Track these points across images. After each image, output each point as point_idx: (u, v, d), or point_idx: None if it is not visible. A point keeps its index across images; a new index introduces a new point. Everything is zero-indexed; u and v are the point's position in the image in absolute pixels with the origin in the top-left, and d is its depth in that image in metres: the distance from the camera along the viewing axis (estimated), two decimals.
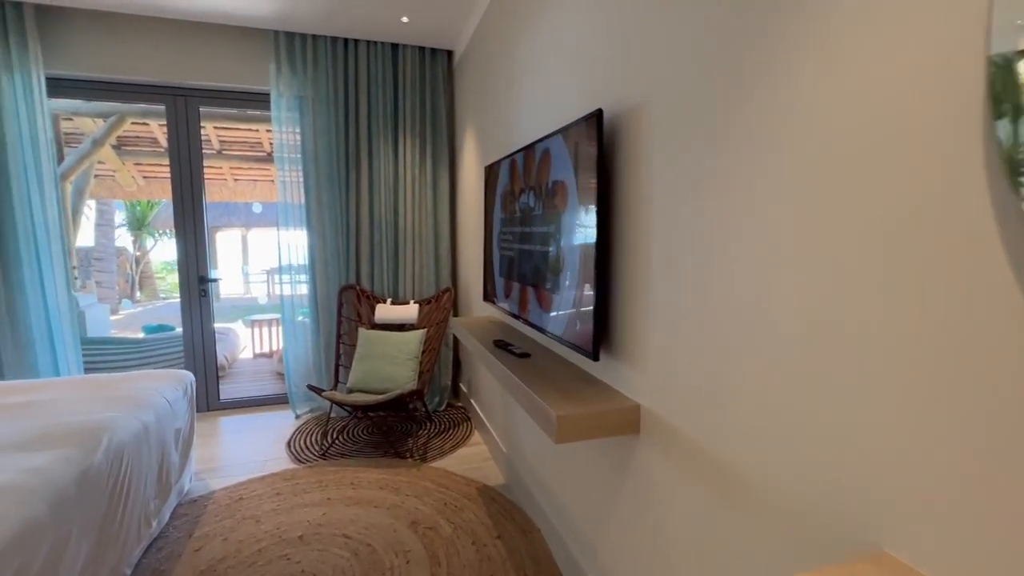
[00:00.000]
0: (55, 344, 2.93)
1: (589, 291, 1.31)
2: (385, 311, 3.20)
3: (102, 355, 3.84)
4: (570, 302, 1.43)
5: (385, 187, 3.32)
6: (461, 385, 3.56)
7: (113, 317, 7.52)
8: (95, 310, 4.77)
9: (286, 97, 3.13)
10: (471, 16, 2.86)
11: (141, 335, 5.29)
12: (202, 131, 3.33)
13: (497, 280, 2.17)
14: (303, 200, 3.23)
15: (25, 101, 2.75)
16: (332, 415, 3.16)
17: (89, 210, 7.88)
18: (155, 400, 2.00)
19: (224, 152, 6.45)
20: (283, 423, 3.23)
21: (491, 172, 2.27)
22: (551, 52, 1.77)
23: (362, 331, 3.11)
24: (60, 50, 2.86)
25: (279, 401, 3.55)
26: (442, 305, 3.27)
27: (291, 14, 2.86)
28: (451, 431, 3.05)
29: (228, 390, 3.98)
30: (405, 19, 2.91)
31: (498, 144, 2.46)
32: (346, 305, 3.31)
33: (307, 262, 3.29)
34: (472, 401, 3.25)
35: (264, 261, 12.16)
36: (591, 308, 1.30)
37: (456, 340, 3.60)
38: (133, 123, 5.26)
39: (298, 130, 3.17)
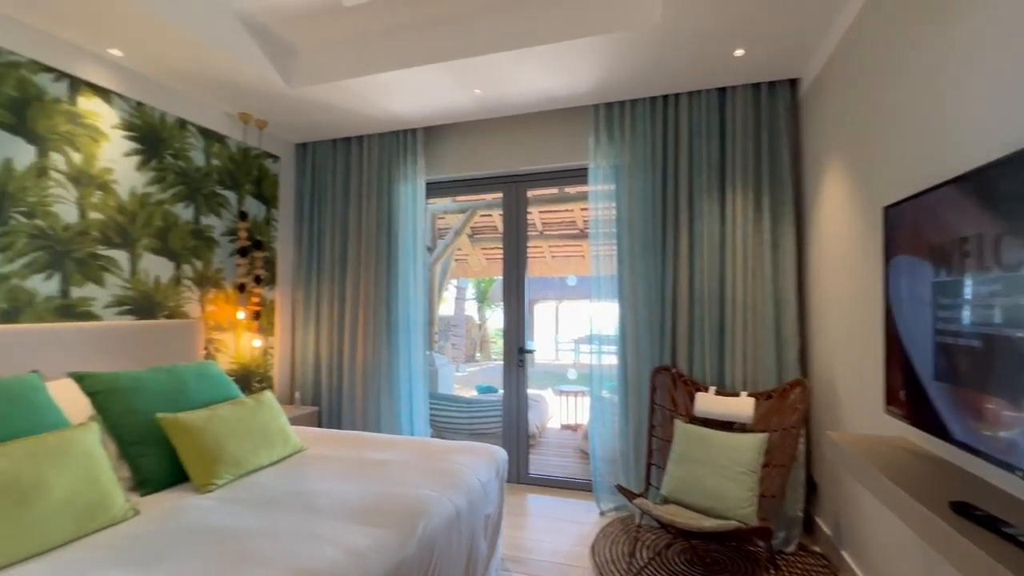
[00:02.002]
0: (412, 398, 3.44)
1: None
2: (708, 403, 2.56)
3: (443, 410, 4.44)
4: None
5: (709, 251, 2.78)
6: (819, 521, 2.51)
7: (458, 374, 9.13)
8: (445, 369, 5.76)
9: (603, 168, 3.05)
10: (832, 28, 2.17)
11: (474, 393, 6.08)
12: (528, 215, 3.59)
13: (929, 385, 1.29)
14: (615, 271, 3.01)
15: (412, 203, 3.48)
16: (642, 522, 2.63)
17: (450, 287, 10.12)
18: (469, 481, 1.92)
19: (545, 232, 7.22)
20: (587, 517, 2.88)
21: (901, 214, 1.46)
22: None
23: (679, 424, 2.54)
24: (434, 159, 3.55)
25: (584, 488, 3.25)
26: (790, 403, 2.40)
27: (610, 85, 2.79)
28: None
29: (536, 462, 3.97)
30: (739, 52, 2.45)
31: (909, 172, 1.63)
32: (659, 390, 2.82)
33: (617, 334, 3.00)
34: (842, 552, 2.19)
35: (574, 331, 13.10)
36: None
37: (809, 453, 2.60)
38: (481, 215, 6.42)
39: (613, 204, 3.03)
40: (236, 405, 2.10)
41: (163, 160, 2.78)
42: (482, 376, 9.12)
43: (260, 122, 3.28)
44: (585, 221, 6.65)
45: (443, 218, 6.35)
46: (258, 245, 3.29)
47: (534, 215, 6.73)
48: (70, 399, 1.86)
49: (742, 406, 2.46)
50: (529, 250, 3.61)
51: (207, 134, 3.04)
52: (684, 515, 2.19)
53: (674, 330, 2.87)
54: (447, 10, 2.50)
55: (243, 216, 3.21)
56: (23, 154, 2.17)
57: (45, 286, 2.25)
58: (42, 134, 2.24)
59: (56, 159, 2.29)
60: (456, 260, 7.93)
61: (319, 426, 3.52)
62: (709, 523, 2.06)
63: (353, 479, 1.86)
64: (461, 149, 3.50)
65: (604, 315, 3.05)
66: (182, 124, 2.89)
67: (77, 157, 2.37)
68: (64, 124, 2.32)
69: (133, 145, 2.62)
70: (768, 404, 2.49)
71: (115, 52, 2.42)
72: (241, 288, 3.19)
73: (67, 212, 2.33)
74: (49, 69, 2.26)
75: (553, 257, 8.30)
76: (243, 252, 3.20)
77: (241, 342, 3.26)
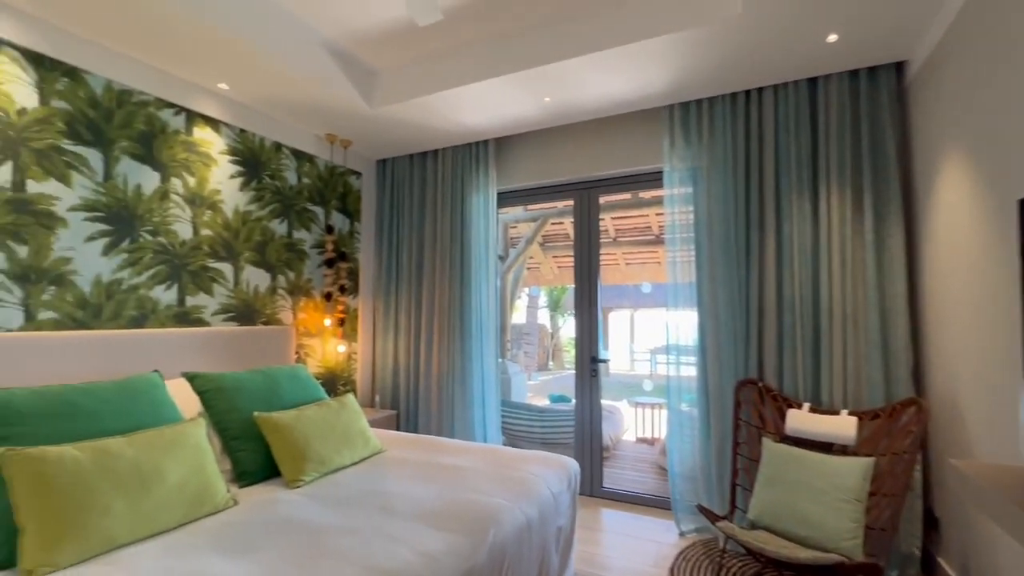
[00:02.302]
0: (485, 405, 3.48)
1: None
2: (802, 420, 2.33)
3: (515, 418, 4.44)
4: None
5: (800, 256, 2.56)
6: (942, 562, 2.19)
7: (530, 383, 9.13)
8: (517, 377, 5.78)
9: (679, 171, 2.92)
10: (946, 0, 1.93)
11: (546, 402, 6.04)
12: (600, 222, 3.52)
13: None
14: (693, 278, 2.86)
15: (484, 213, 3.54)
16: (727, 547, 2.45)
17: (522, 295, 10.18)
18: (540, 491, 1.89)
19: (618, 239, 7.05)
20: (666, 536, 2.74)
21: None
22: None
23: (768, 443, 2.34)
24: (506, 169, 3.59)
25: (662, 505, 3.10)
26: (902, 425, 2.13)
27: (685, 84, 2.67)
28: None
29: (610, 475, 3.85)
30: (832, 38, 2.24)
31: None
32: (744, 405, 2.62)
33: (696, 344, 2.84)
34: None
35: (649, 340, 12.65)
36: None
37: (927, 483, 2.29)
38: (552, 223, 6.40)
39: (690, 208, 2.88)
40: (321, 407, 2.24)
41: (261, 180, 3.05)
42: (555, 385, 9.06)
43: (345, 141, 3.51)
44: (660, 226, 6.42)
45: (515, 227, 6.42)
46: (343, 257, 3.51)
47: (607, 221, 6.61)
48: (183, 396, 2.08)
49: (843, 426, 2.22)
50: (602, 257, 3.54)
51: (299, 155, 3.30)
52: (775, 543, 2.00)
53: (760, 340, 2.66)
54: (517, 22, 2.53)
55: (330, 230, 3.44)
56: (149, 180, 2.48)
57: (166, 295, 2.54)
58: (164, 162, 2.54)
59: (175, 183, 2.59)
60: (528, 268, 7.97)
61: (397, 429, 3.66)
62: (805, 554, 1.87)
63: (427, 482, 1.90)
64: (532, 158, 3.52)
65: (682, 324, 2.90)
66: (278, 147, 3.16)
67: (192, 181, 2.67)
68: (182, 152, 2.63)
69: (237, 168, 2.91)
70: (874, 425, 2.22)
71: (223, 86, 2.70)
72: (328, 297, 3.41)
73: (183, 230, 2.63)
74: (170, 105, 2.57)
75: (627, 264, 8.09)
76: (330, 263, 3.42)
77: (328, 347, 3.48)
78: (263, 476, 1.96)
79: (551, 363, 12.96)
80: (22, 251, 2.04)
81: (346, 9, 2.42)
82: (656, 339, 11.63)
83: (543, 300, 12.54)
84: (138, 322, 2.42)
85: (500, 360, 3.73)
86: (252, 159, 3.00)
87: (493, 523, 1.55)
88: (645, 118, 3.12)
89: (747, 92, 2.75)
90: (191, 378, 2.09)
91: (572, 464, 2.24)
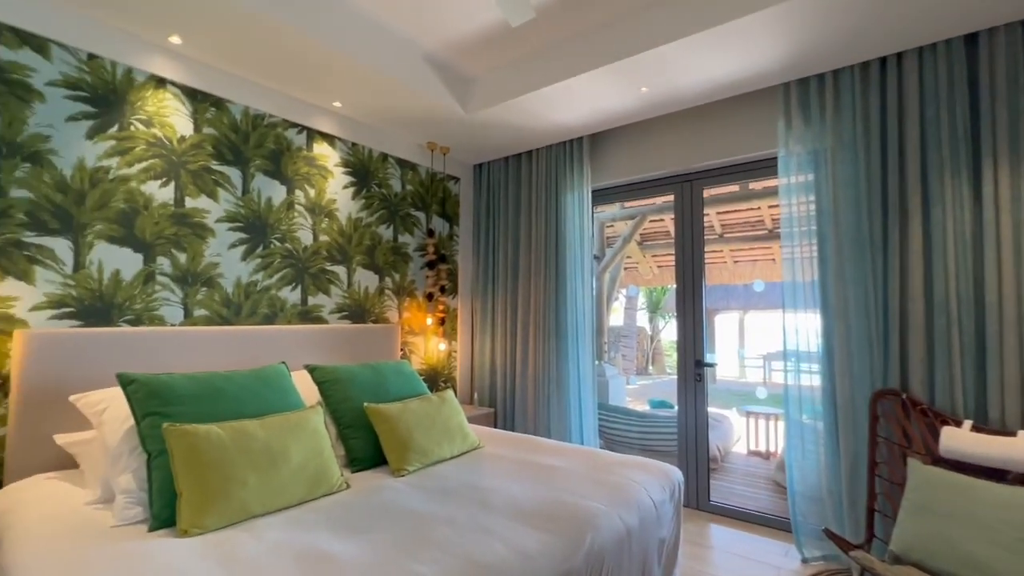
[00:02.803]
0: (582, 407, 3.41)
1: None
2: (962, 440, 1.96)
3: (613, 422, 4.31)
4: None
5: (956, 245, 2.17)
6: None
7: (628, 387, 8.83)
8: (615, 380, 5.61)
9: (797, 155, 2.63)
10: None
11: (646, 407, 5.79)
12: (705, 217, 3.29)
13: None
14: (816, 276, 2.55)
15: (578, 211, 3.48)
16: None
17: (620, 296, 9.89)
18: (640, 498, 1.80)
19: (725, 236, 6.56)
20: (784, 561, 2.47)
21: None
22: None
23: (916, 465, 2.00)
24: (600, 166, 3.51)
25: (779, 526, 2.80)
26: None
27: (804, 56, 2.39)
28: None
29: (719, 489, 3.58)
30: None
31: None
32: (884, 419, 2.28)
33: (820, 351, 2.53)
34: None
35: (761, 345, 11.62)
36: None
37: None
38: (651, 221, 6.14)
39: (811, 196, 2.58)
40: (424, 400, 2.34)
41: (370, 189, 3.29)
42: (655, 390, 8.66)
43: (444, 148, 3.67)
44: (774, 220, 5.86)
45: (611, 226, 6.26)
46: (443, 259, 3.66)
47: (711, 216, 6.18)
48: (304, 386, 2.30)
49: (1022, 449, 1.82)
50: (707, 255, 3.30)
51: (402, 164, 3.51)
52: None
53: (902, 346, 2.30)
54: (608, 11, 2.46)
55: (431, 233, 3.61)
56: (278, 193, 2.79)
57: (292, 295, 2.84)
58: (290, 176, 2.84)
59: (299, 195, 2.88)
60: (626, 269, 7.73)
61: (495, 427, 3.73)
62: None
63: (523, 481, 1.90)
64: (628, 152, 3.40)
65: (803, 327, 2.60)
66: (384, 157, 3.39)
67: (312, 192, 2.95)
68: (304, 167, 2.91)
69: (349, 179, 3.16)
70: None
71: (337, 104, 2.95)
72: (429, 297, 3.58)
73: (305, 236, 2.91)
74: (294, 124, 2.87)
75: (736, 262, 7.50)
76: (431, 265, 3.59)
77: (430, 345, 3.65)
78: (372, 463, 2.09)
79: (651, 368, 12.44)
80: (182, 258, 2.39)
81: (443, 18, 2.52)
82: (770, 344, 10.64)
83: (641, 301, 12.08)
84: (270, 319, 2.73)
85: (597, 362, 3.64)
86: (362, 170, 3.24)
87: (591, 527, 1.50)
88: (755, 99, 2.86)
89: (882, 59, 2.40)
90: (311, 370, 2.30)
91: (675, 473, 2.10)
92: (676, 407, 3.29)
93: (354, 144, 3.19)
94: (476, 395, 3.86)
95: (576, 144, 3.47)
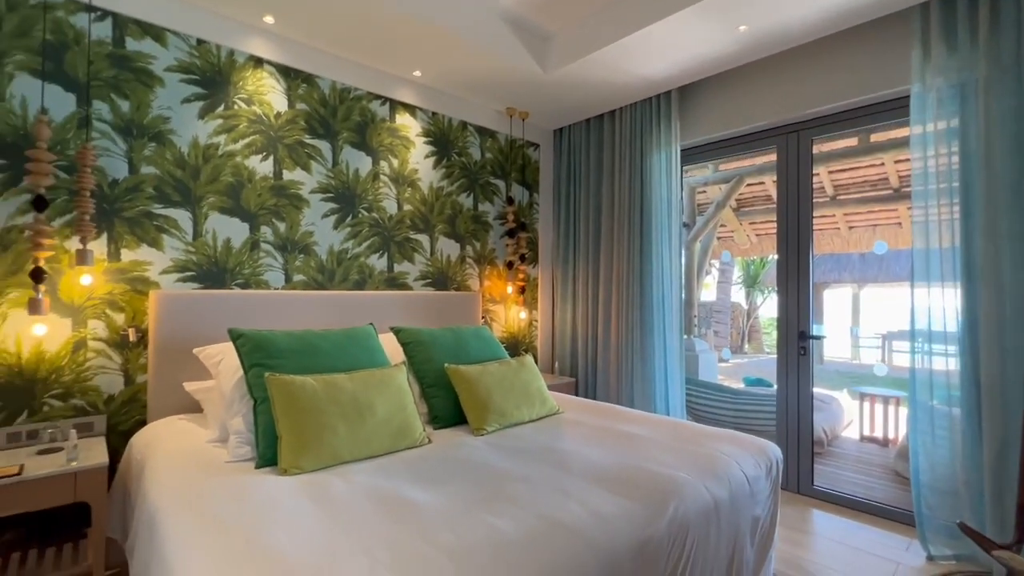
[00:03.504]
0: (668, 380, 3.25)
1: None
2: None
3: (704, 398, 4.07)
4: None
5: None
6: None
7: (722, 364, 8.32)
8: (706, 356, 5.29)
9: (936, 91, 2.22)
10: None
11: (740, 386, 5.42)
12: (814, 177, 2.91)
13: None
14: (957, 240, 2.16)
15: (666, 173, 3.25)
16: None
17: (712, 268, 9.25)
18: (731, 472, 1.66)
19: (839, 198, 5.83)
20: (907, 557, 2.19)
21: None
22: None
23: None
24: (690, 122, 3.23)
25: (898, 518, 2.49)
26: None
27: None
28: None
29: (824, 474, 3.26)
30: None
31: None
32: None
33: (960, 325, 2.15)
34: None
35: (878, 322, 10.33)
36: None
37: None
38: (748, 184, 5.61)
39: (954, 143, 2.17)
40: (503, 364, 2.35)
41: (451, 158, 3.32)
42: (751, 369, 8.09)
43: (523, 113, 3.59)
44: (902, 177, 5.09)
45: (703, 191, 5.82)
46: (523, 227, 3.62)
47: (822, 175, 5.50)
48: (391, 347, 2.40)
49: None
50: (815, 221, 2.93)
51: (482, 132, 3.49)
52: None
53: None
54: None
55: (510, 201, 3.58)
56: (364, 164, 2.90)
57: (379, 263, 2.97)
58: (374, 147, 2.94)
59: (383, 165, 2.98)
60: (719, 238, 7.19)
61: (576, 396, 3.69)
62: None
63: (603, 446, 1.84)
64: (722, 104, 3.09)
65: (936, 301, 2.23)
66: (463, 125, 3.39)
67: (395, 162, 3.03)
68: (388, 138, 3.00)
69: (430, 148, 3.21)
70: None
71: (416, 73, 2.98)
72: (509, 265, 3.57)
73: (390, 206, 3.02)
74: (378, 96, 2.94)
75: (851, 228, 6.66)
76: (511, 233, 3.57)
77: (510, 314, 3.66)
78: (452, 421, 2.14)
79: (746, 346, 11.62)
80: (282, 227, 2.58)
81: None
82: (892, 321, 9.43)
83: (737, 275, 11.24)
84: (359, 285, 2.88)
85: (685, 337, 3.43)
86: (442, 139, 3.27)
87: (674, 497, 1.41)
88: (880, 28, 2.44)
89: None
90: (397, 332, 2.39)
91: (772, 449, 1.92)
92: (775, 385, 3.01)
93: (434, 113, 3.22)
94: (557, 364, 3.83)
95: (663, 99, 3.22)
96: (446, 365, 2.22)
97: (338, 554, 1.06)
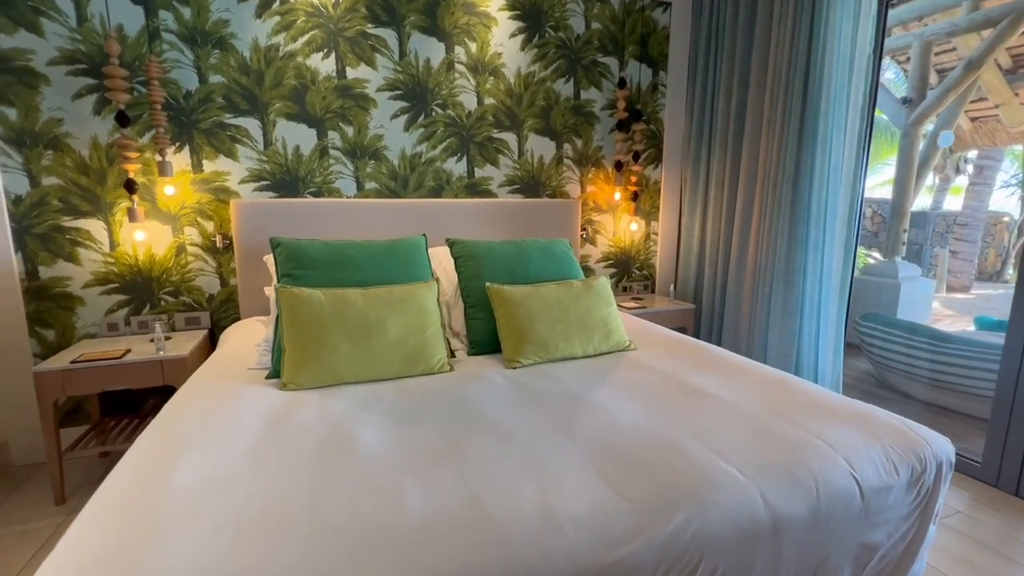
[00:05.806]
0: (821, 313, 2.43)
1: None
2: None
3: (892, 342, 3.02)
4: None
5: None
6: None
7: (957, 296, 6.27)
8: (915, 284, 3.90)
9: None
10: None
11: (969, 328, 3.96)
12: None
13: None
14: None
15: (852, 15, 2.17)
16: None
17: (963, 163, 6.65)
18: (828, 475, 1.07)
19: None
20: None
21: None
22: None
23: None
24: None
25: None
26: None
27: None
28: None
29: None
30: None
31: None
32: None
33: None
34: None
35: None
36: None
37: None
38: None
39: None
40: (561, 286, 1.94)
41: (544, 35, 2.73)
42: (1000, 303, 5.91)
43: None
44: None
45: (945, 45, 3.97)
46: (638, 116, 2.91)
47: None
48: (449, 261, 2.19)
49: None
50: None
51: None
52: None
53: None
54: None
55: (622, 84, 2.87)
56: (436, 52, 2.54)
57: (457, 167, 2.69)
58: (447, 30, 2.54)
59: (459, 52, 2.58)
60: (972, 119, 5.02)
61: (696, 326, 3.07)
62: None
63: (647, 404, 1.38)
64: None
65: None
66: None
67: (473, 47, 2.60)
68: (463, 17, 2.56)
69: (517, 24, 2.67)
70: None
71: None
72: (618, 166, 2.96)
73: (468, 101, 2.65)
74: None
75: None
76: (622, 126, 2.91)
77: (619, 225, 3.11)
78: (489, 349, 1.88)
79: (1010, 272, 8.53)
80: (349, 131, 2.46)
81: None
82: None
83: (1004, 172, 7.99)
84: (436, 192, 2.67)
85: (883, 259, 2.46)
86: (533, 10, 2.68)
87: (689, 502, 0.94)
88: None
89: None
90: (451, 244, 2.14)
91: (934, 443, 1.21)
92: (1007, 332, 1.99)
93: None
94: (673, 287, 3.19)
95: None
96: (487, 284, 1.92)
97: (221, 494, 0.93)
